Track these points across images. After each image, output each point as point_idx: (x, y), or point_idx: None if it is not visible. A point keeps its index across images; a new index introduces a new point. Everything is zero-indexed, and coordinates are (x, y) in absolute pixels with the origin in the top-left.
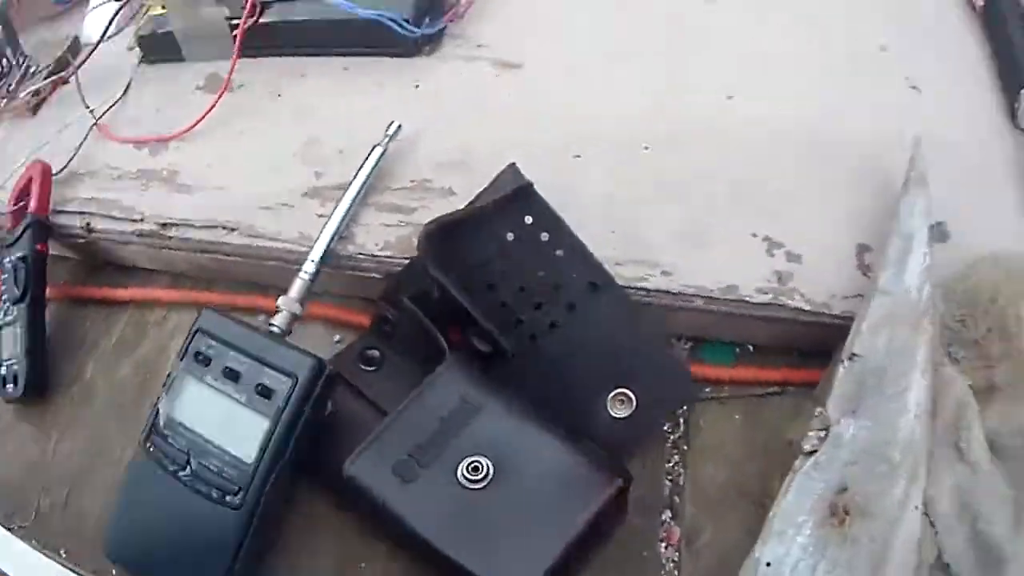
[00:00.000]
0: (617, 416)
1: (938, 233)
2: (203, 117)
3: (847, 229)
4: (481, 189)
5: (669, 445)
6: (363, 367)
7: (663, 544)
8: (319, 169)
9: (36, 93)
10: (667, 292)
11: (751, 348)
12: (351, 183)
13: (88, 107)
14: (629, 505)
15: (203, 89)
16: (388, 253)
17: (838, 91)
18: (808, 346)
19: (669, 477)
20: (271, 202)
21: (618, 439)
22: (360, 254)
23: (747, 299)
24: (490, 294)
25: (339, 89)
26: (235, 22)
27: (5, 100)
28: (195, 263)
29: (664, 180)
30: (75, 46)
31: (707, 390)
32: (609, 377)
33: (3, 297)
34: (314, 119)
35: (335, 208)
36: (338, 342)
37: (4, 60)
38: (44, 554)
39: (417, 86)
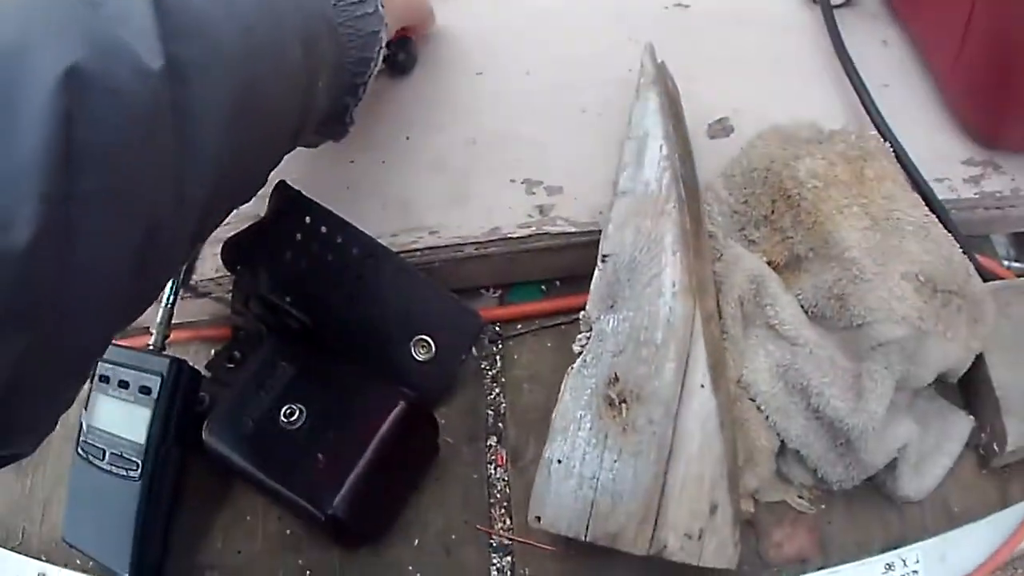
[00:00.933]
0: (422, 360)
1: (720, 128)
2: None
3: (605, 156)
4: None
5: (489, 380)
6: (228, 366)
7: (492, 466)
8: None
9: None
10: (436, 248)
11: (558, 283)
12: None
13: None
14: (457, 437)
15: None
16: (221, 275)
17: (597, 29)
18: None
19: (491, 408)
20: None
21: (430, 381)
22: (202, 280)
23: (510, 236)
24: (298, 284)
25: None
26: None
27: None
28: None
29: (426, 158)
30: None
31: (519, 326)
32: (406, 328)
33: None
34: None
35: None
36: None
37: None
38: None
39: None
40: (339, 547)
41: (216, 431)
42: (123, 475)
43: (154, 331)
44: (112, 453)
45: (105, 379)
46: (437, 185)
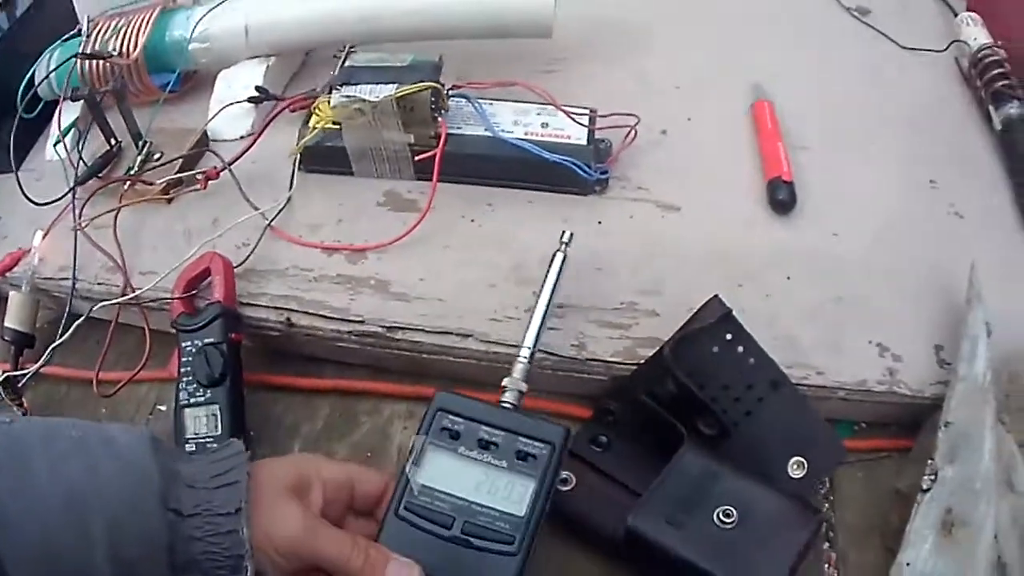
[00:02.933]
0: (795, 477)
1: (987, 331)
2: (408, 233)
3: (927, 333)
4: (691, 313)
5: (822, 496)
6: (593, 447)
7: (826, 565)
8: (535, 290)
9: (176, 183)
10: (822, 387)
11: (864, 425)
12: (544, 282)
13: (256, 208)
14: None
15: (384, 205)
16: (617, 360)
17: (906, 222)
18: (905, 421)
19: (825, 520)
20: (499, 315)
21: (796, 494)
22: (592, 360)
23: (871, 390)
24: (703, 391)
25: (531, 221)
26: (416, 148)
27: (128, 184)
28: (412, 361)
29: (803, 305)
30: (204, 140)
31: None
32: (789, 448)
33: (186, 379)
34: (515, 246)
35: (536, 304)
36: None
37: (113, 141)
38: None
39: (600, 223)
40: None
41: (646, 519)
42: (491, 551)
43: (509, 387)
44: (471, 523)
45: (453, 435)
46: (815, 331)
